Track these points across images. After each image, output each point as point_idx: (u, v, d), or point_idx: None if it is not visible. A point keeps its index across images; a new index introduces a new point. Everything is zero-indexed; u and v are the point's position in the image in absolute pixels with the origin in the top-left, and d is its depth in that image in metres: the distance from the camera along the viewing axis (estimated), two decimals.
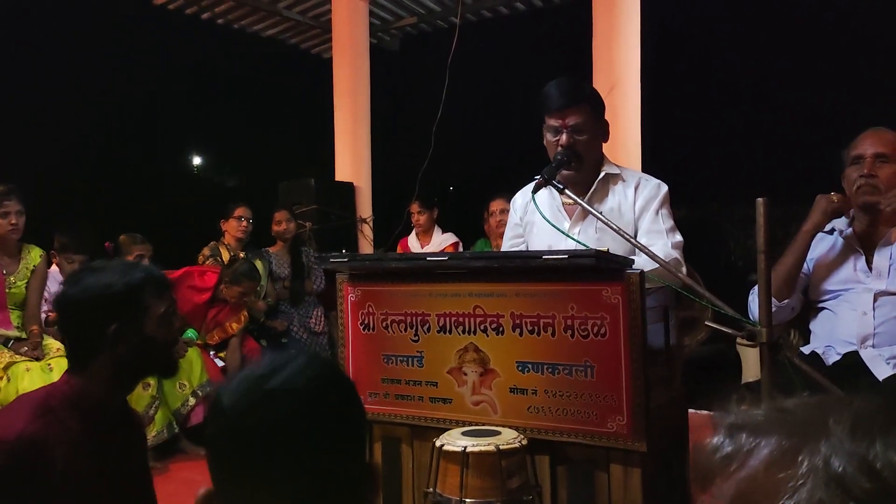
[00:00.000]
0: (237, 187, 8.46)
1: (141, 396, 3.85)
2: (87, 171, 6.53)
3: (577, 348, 1.87)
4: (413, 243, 5.62)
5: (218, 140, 9.00)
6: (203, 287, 4.47)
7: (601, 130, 2.44)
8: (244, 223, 5.01)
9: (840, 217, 2.46)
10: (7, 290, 3.83)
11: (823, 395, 0.63)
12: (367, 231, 6.73)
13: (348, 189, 6.66)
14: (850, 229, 2.45)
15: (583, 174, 2.39)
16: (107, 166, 6.69)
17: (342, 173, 6.77)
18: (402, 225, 6.02)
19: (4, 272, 3.84)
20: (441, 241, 5.56)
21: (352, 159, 6.79)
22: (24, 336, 3.79)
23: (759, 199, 1.69)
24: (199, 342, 4.39)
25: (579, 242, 2.24)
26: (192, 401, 4.08)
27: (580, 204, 2.24)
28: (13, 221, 3.80)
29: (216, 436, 0.88)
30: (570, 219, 2.45)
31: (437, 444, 1.76)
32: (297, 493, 0.84)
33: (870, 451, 0.54)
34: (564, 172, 2.35)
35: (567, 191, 2.28)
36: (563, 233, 2.29)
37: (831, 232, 2.48)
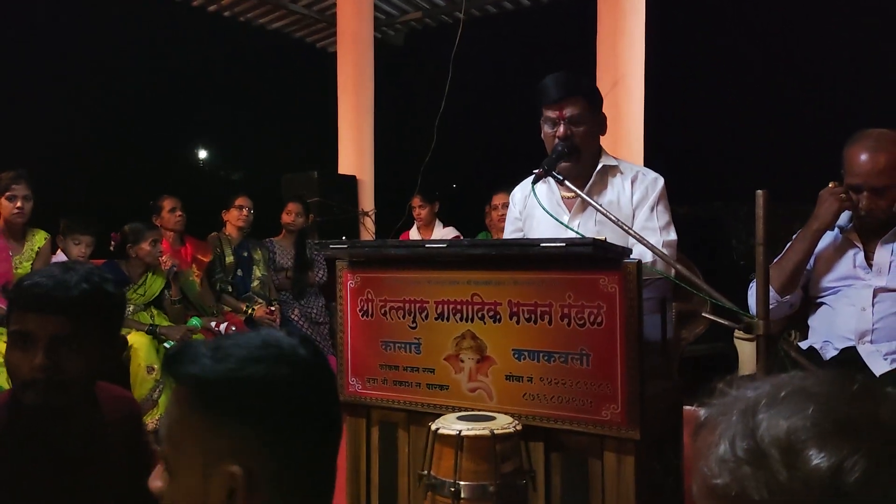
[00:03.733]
0: (241, 180, 8.47)
1: (145, 380, 3.91)
2: (92, 163, 6.55)
3: (573, 337, 1.88)
4: (414, 237, 5.64)
5: (222, 133, 9.03)
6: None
7: (598, 123, 2.46)
8: (245, 212, 5.03)
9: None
10: (13, 273, 3.87)
11: (777, 376, 0.74)
12: (368, 224, 6.75)
13: (351, 182, 6.68)
14: (850, 225, 2.46)
15: (581, 166, 2.41)
16: (111, 158, 6.72)
17: (345, 166, 6.80)
18: (403, 218, 6.04)
19: (11, 254, 3.89)
20: (442, 234, 5.58)
21: (355, 152, 6.81)
22: None
23: (759, 192, 1.71)
24: (202, 328, 4.43)
25: (579, 234, 2.26)
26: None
27: (580, 195, 2.26)
28: (19, 205, 3.84)
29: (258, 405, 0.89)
30: (570, 212, 2.47)
31: (433, 427, 1.78)
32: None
33: (757, 418, 0.67)
34: (563, 165, 2.36)
35: (566, 182, 2.29)
36: (563, 224, 2.30)
37: (832, 227, 2.48)
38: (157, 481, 0.93)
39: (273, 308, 5.00)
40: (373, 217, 6.75)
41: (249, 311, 4.87)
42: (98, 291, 1.45)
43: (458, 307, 2.05)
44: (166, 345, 4.16)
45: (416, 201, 5.60)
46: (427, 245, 2.06)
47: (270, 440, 0.88)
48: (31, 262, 3.95)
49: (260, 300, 5.02)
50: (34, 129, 6.20)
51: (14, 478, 1.39)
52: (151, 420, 3.83)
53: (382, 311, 2.18)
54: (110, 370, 1.54)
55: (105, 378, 1.58)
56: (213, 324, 4.56)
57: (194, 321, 4.37)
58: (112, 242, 4.36)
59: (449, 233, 5.59)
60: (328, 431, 0.96)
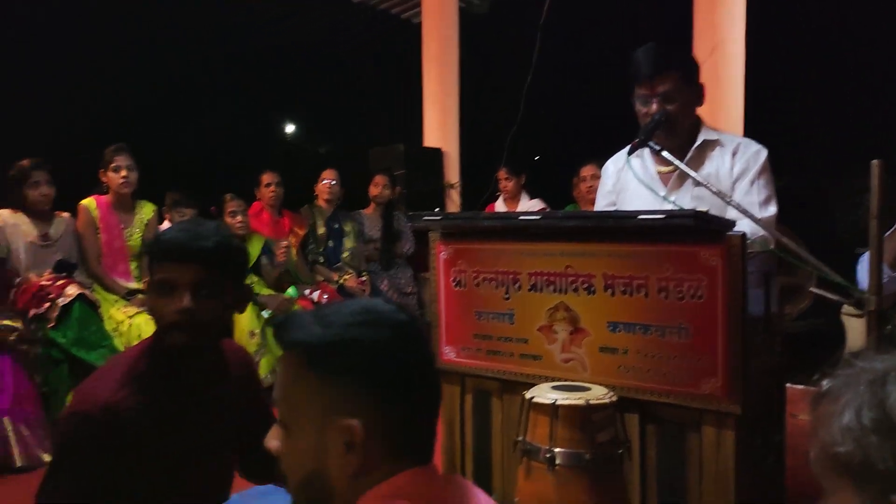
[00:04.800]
0: (329, 153, 8.63)
1: (248, 344, 4.12)
2: (185, 137, 6.80)
3: (671, 310, 1.86)
4: (500, 210, 5.63)
5: (309, 106, 9.19)
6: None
7: (694, 96, 2.38)
8: (330, 185, 5.16)
9: None
10: (125, 243, 4.11)
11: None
12: (454, 197, 6.79)
13: (436, 155, 6.72)
14: None
15: (676, 141, 2.35)
16: (200, 133, 6.94)
17: (430, 139, 6.84)
18: (489, 191, 6.04)
19: (122, 226, 4.12)
20: (528, 207, 5.55)
21: (440, 125, 6.83)
22: (141, 287, 4.05)
23: (875, 162, 1.64)
24: (298, 297, 4.59)
25: (676, 206, 2.21)
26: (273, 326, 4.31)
27: (678, 165, 2.21)
28: (124, 175, 4.05)
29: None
30: (666, 187, 2.42)
31: (527, 396, 1.80)
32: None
33: (886, 389, 0.68)
34: (659, 137, 2.31)
35: (664, 153, 2.24)
36: (660, 197, 2.26)
37: None
38: (273, 441, 1.00)
39: (363, 278, 5.13)
40: (458, 189, 6.78)
41: (341, 281, 5.00)
42: (227, 243, 1.59)
43: (551, 279, 2.06)
44: (264, 313, 4.33)
45: (503, 174, 5.58)
46: (521, 217, 2.07)
47: (378, 396, 0.93)
48: (141, 233, 4.18)
49: (351, 270, 5.15)
50: (138, 104, 6.49)
51: (154, 411, 1.53)
52: None
53: (475, 282, 2.21)
54: (226, 329, 1.66)
55: (219, 331, 1.69)
56: (307, 292, 4.71)
57: (290, 291, 4.53)
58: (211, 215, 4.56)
59: (535, 205, 5.56)
60: (429, 390, 1.01)
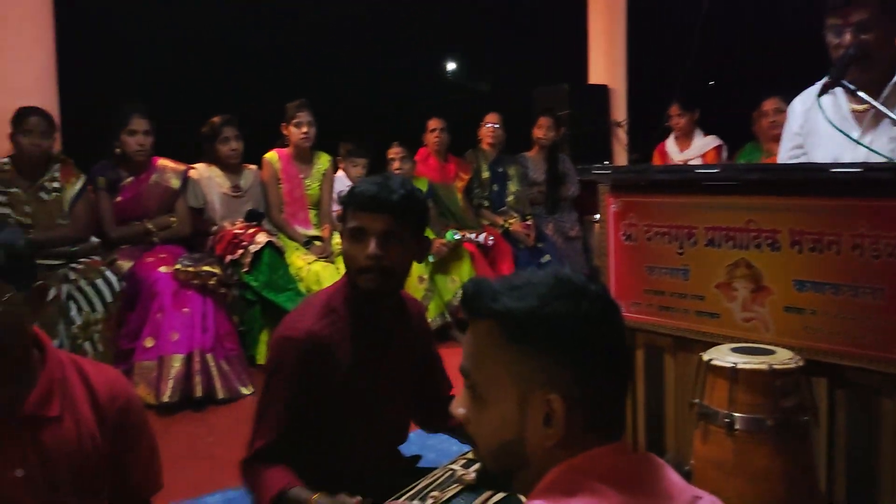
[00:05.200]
0: (490, 92, 8.59)
1: (417, 289, 4.29)
2: (356, 87, 7.01)
3: (865, 269, 1.73)
4: (671, 148, 5.40)
5: (471, 47, 9.15)
6: None
7: (893, 25, 2.13)
8: (491, 129, 5.17)
9: None
10: (304, 193, 4.39)
11: None
12: (621, 135, 6.58)
13: (602, 92, 6.52)
14: None
15: (872, 76, 2.13)
16: (370, 82, 7.12)
17: (596, 76, 6.63)
18: (659, 128, 5.79)
19: (301, 176, 4.39)
20: (702, 144, 5.28)
21: (606, 61, 6.60)
22: (319, 234, 4.32)
23: None
24: (466, 242, 4.70)
25: (874, 152, 2.03)
26: (461, 294, 4.44)
27: (875, 106, 2.01)
28: (305, 130, 4.30)
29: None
30: (860, 127, 2.21)
31: (705, 358, 1.75)
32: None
33: None
34: (852, 73, 2.10)
35: (859, 93, 2.05)
36: (854, 141, 2.08)
37: None
38: (460, 409, 1.02)
39: (528, 222, 5.14)
40: (625, 128, 6.56)
41: (506, 225, 5.05)
42: (412, 196, 1.71)
43: (731, 234, 1.96)
44: (430, 258, 4.47)
45: (674, 110, 5.32)
46: (697, 170, 1.98)
47: (577, 371, 0.93)
48: (318, 183, 4.43)
49: (515, 214, 5.18)
50: (311, 55, 6.77)
51: (346, 344, 1.69)
52: None
53: (647, 237, 2.16)
54: (406, 271, 1.79)
55: (402, 279, 1.80)
56: (473, 235, 4.80)
57: (449, 235, 4.64)
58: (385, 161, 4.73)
59: (710, 142, 5.27)
60: (623, 364, 1.01)
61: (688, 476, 1.86)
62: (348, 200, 1.71)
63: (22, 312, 1.23)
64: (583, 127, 6.25)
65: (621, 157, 6.59)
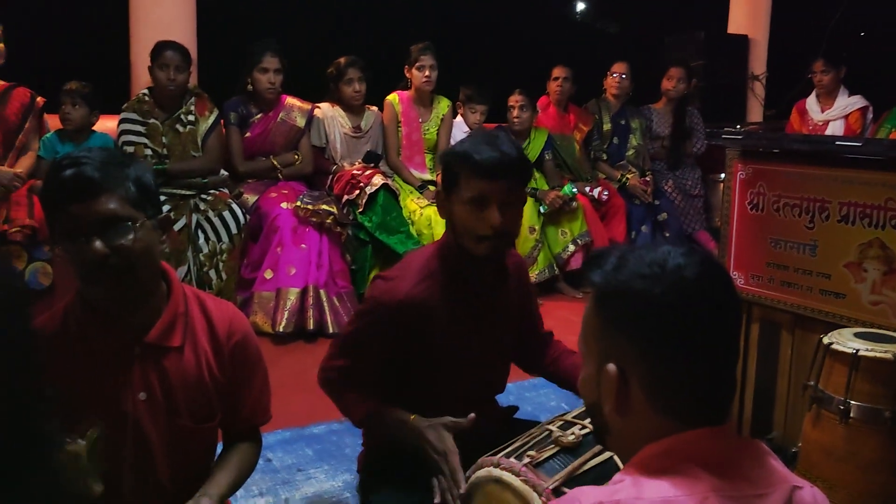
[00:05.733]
0: (618, 39, 8.25)
1: (527, 239, 4.30)
2: (477, 28, 6.90)
3: None
4: (812, 106, 5.04)
5: None
6: None
7: None
8: (618, 79, 4.98)
9: None
10: (422, 136, 4.42)
11: None
12: (758, 90, 6.21)
13: (741, 43, 6.14)
14: None
15: None
16: (495, 21, 6.99)
17: (736, 24, 6.24)
18: (800, 85, 5.42)
19: (420, 120, 4.42)
20: (846, 104, 4.90)
21: (748, 8, 6.20)
22: (434, 179, 4.36)
23: None
24: (579, 193, 4.62)
25: None
26: (571, 247, 4.47)
27: None
28: (427, 74, 4.30)
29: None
30: None
31: (825, 341, 1.67)
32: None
33: None
34: None
35: None
36: None
37: None
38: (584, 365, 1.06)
39: (647, 178, 4.98)
40: (763, 82, 6.17)
41: (623, 180, 4.91)
42: (523, 156, 1.68)
43: (868, 211, 1.84)
44: (542, 209, 4.43)
45: (819, 66, 4.94)
46: (838, 143, 1.85)
47: (651, 351, 0.93)
48: (436, 127, 4.45)
49: (634, 169, 5.02)
50: (440, 3, 6.73)
51: (445, 308, 1.69)
52: (532, 275, 4.19)
53: (775, 207, 2.05)
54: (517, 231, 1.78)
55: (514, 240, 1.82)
56: (587, 189, 4.71)
57: (567, 188, 4.57)
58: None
59: (855, 102, 4.89)
60: (725, 349, 0.97)
61: (793, 458, 1.81)
62: (462, 165, 1.65)
63: (152, 240, 1.32)
64: (717, 79, 5.92)
65: (756, 113, 6.23)
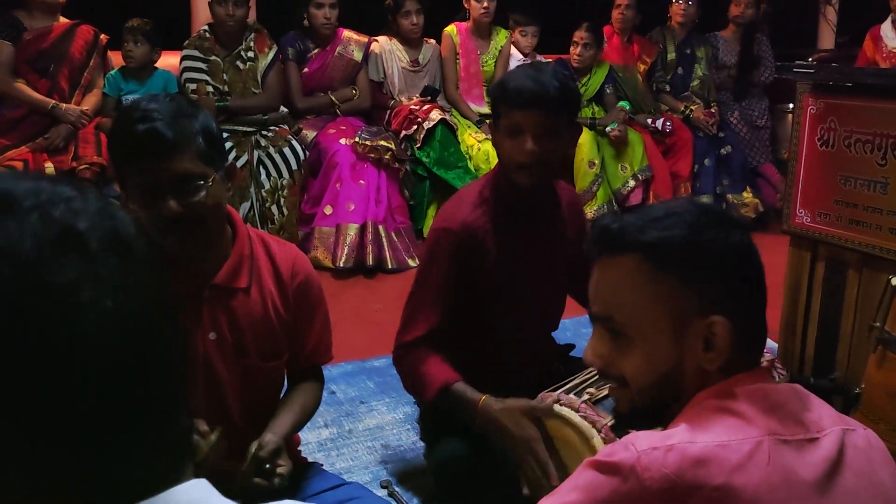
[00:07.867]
0: None
1: (587, 174, 4.25)
2: None
3: None
4: (888, 33, 4.77)
5: None
6: None
7: None
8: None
9: None
10: (480, 69, 4.36)
11: None
12: (830, 15, 5.89)
13: None
14: None
15: None
16: None
17: None
18: (876, 9, 5.12)
19: (479, 52, 4.35)
20: None
21: None
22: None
23: None
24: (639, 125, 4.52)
25: None
26: (631, 183, 4.36)
27: None
28: (485, 5, 4.23)
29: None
30: None
31: (894, 282, 1.64)
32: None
33: None
34: None
35: None
36: None
37: None
38: (596, 358, 0.99)
39: (712, 109, 4.83)
40: (836, 7, 5.85)
41: (687, 112, 4.77)
42: (566, 87, 1.67)
43: None
44: (608, 128, 4.32)
45: None
46: None
47: (732, 296, 0.94)
48: (494, 59, 4.38)
49: (698, 101, 4.87)
50: None
51: (500, 234, 1.75)
52: (590, 210, 4.15)
53: (846, 143, 1.98)
54: (560, 161, 1.78)
55: (556, 170, 1.82)
56: (650, 121, 4.60)
57: (623, 102, 4.48)
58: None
59: None
60: (763, 286, 0.98)
61: (856, 399, 1.80)
62: (500, 96, 1.68)
63: (222, 192, 1.35)
64: (787, 4, 5.64)
65: (828, 40, 5.93)
